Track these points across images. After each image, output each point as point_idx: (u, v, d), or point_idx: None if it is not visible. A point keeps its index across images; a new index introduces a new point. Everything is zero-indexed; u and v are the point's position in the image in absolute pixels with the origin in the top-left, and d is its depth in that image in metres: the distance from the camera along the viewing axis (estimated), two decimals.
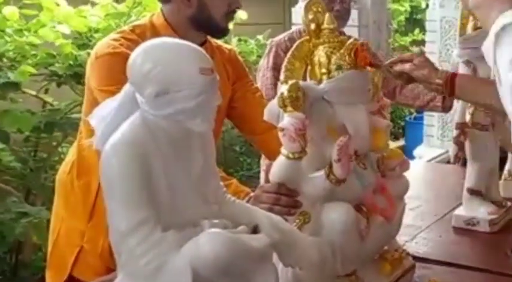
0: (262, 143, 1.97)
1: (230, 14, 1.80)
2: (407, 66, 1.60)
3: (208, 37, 1.88)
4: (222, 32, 1.86)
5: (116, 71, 1.64)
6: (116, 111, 1.10)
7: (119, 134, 1.06)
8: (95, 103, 1.68)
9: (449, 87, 1.56)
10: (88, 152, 1.80)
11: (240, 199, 1.32)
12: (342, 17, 2.34)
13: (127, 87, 1.13)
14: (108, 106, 1.12)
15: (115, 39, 1.74)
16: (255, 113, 1.85)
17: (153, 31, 1.78)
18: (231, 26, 1.88)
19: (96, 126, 1.11)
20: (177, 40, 1.15)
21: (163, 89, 1.06)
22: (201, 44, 1.77)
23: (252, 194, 1.58)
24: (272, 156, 1.91)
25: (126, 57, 1.64)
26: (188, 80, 1.07)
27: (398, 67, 1.62)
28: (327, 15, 1.43)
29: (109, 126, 1.09)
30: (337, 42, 1.41)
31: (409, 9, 6.86)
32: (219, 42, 2.06)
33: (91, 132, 1.71)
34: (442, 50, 4.40)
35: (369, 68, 1.46)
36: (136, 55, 1.10)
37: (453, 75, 1.57)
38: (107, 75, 1.69)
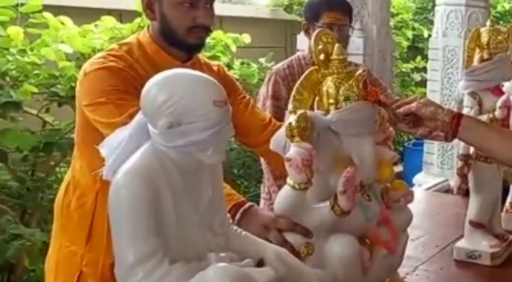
0: (266, 153, 1.91)
1: (195, 29, 1.71)
2: (413, 105, 1.59)
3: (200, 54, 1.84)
4: (188, 48, 1.76)
5: (104, 83, 1.63)
6: (126, 141, 1.10)
7: (129, 164, 1.06)
8: (86, 125, 1.67)
9: (454, 126, 1.55)
10: (82, 173, 1.79)
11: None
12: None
13: (139, 118, 1.12)
14: (119, 136, 1.11)
15: (103, 57, 1.71)
16: (253, 125, 1.89)
17: (140, 48, 1.76)
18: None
19: (107, 155, 1.10)
20: (190, 71, 1.15)
21: (176, 121, 1.06)
22: (187, 60, 1.75)
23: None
24: (279, 165, 1.90)
25: (114, 70, 1.65)
26: (202, 112, 1.06)
27: (404, 108, 1.60)
28: (336, 45, 1.43)
29: (119, 155, 1.08)
30: (346, 73, 1.40)
31: (411, 37, 6.92)
32: (206, 59, 2.04)
33: (86, 156, 1.72)
34: (444, 78, 4.42)
35: None
36: (149, 87, 1.09)
37: (460, 115, 1.57)
38: (95, 87, 1.65)
